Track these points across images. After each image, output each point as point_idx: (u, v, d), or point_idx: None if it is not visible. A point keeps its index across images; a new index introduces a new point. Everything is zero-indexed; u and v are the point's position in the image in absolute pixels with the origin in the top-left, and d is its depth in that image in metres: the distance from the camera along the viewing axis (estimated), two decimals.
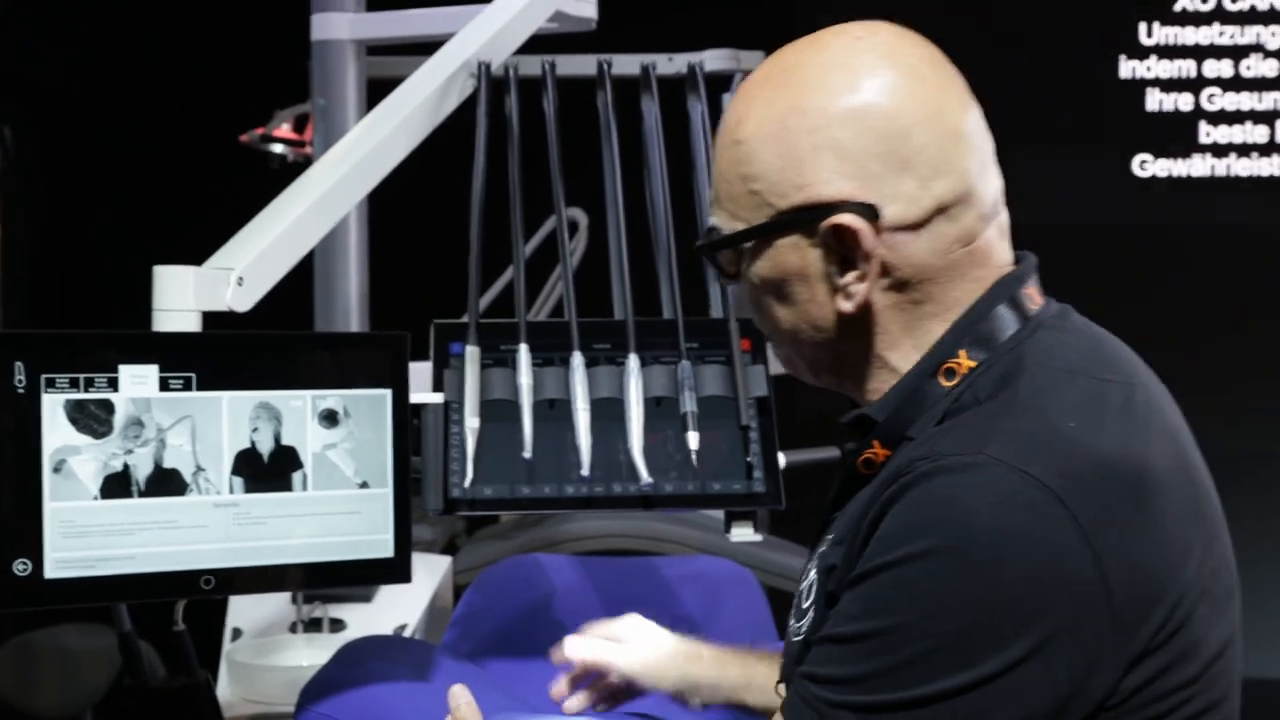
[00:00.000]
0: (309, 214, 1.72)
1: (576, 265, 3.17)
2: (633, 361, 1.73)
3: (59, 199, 4.30)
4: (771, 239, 1.13)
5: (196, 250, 1.68)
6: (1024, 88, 4.05)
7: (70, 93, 4.28)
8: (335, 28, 2.45)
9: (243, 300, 1.64)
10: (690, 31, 2.89)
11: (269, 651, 2.16)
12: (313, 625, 2.25)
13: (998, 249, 1.14)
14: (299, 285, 1.96)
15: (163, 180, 4.20)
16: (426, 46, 2.55)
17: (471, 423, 1.67)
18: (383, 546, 1.55)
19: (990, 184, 1.14)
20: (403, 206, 2.72)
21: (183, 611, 1.75)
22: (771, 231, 1.12)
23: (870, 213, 1.08)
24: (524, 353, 1.72)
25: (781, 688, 1.22)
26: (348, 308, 2.51)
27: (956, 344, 1.11)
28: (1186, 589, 1.04)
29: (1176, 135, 4.19)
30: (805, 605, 1.15)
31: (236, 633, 2.26)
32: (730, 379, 1.74)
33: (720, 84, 2.48)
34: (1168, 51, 4.20)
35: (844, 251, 1.10)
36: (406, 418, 1.55)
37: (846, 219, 1.08)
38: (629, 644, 1.56)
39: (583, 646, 1.56)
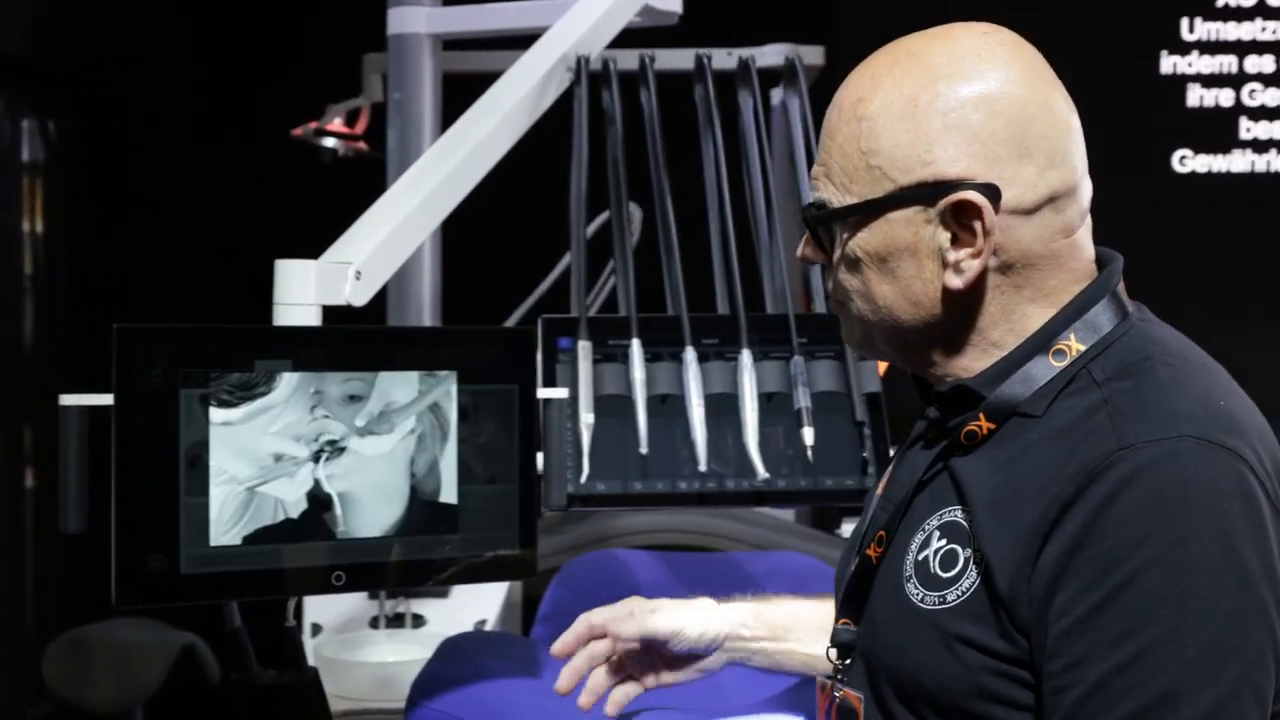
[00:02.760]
0: (421, 208, 1.72)
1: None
2: (746, 357, 1.72)
3: (104, 192, 4.28)
4: (886, 213, 1.16)
5: (249, 244, 1.67)
6: (1065, 83, 4.04)
7: (116, 86, 4.25)
8: (412, 22, 2.44)
9: (361, 294, 1.63)
10: (732, 26, 2.90)
11: (355, 647, 2.16)
12: (394, 621, 2.24)
13: (1088, 246, 1.20)
14: None
15: (213, 174, 4.18)
16: (502, 41, 2.55)
17: (587, 418, 1.67)
18: (510, 542, 1.54)
19: (1088, 185, 1.20)
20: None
21: (238, 610, 1.70)
22: (889, 205, 1.15)
23: (992, 193, 1.13)
24: (636, 348, 1.72)
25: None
26: (420, 304, 2.50)
27: (1066, 327, 1.16)
28: None
29: (1217, 131, 4.18)
30: (945, 574, 1.14)
31: (316, 628, 2.26)
32: (840, 375, 1.74)
33: (770, 79, 2.48)
34: (1209, 47, 4.19)
35: (961, 228, 1.14)
36: (534, 413, 1.55)
37: (972, 195, 1.12)
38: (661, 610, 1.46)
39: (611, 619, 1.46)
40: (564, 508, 1.63)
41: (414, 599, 2.29)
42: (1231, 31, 4.18)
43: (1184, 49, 4.20)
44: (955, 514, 1.15)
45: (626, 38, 2.24)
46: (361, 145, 3.35)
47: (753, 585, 2.12)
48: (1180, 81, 4.19)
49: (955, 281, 1.15)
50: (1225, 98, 4.19)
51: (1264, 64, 4.17)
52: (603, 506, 1.68)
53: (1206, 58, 4.19)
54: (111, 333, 1.38)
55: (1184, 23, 4.19)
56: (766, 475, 1.66)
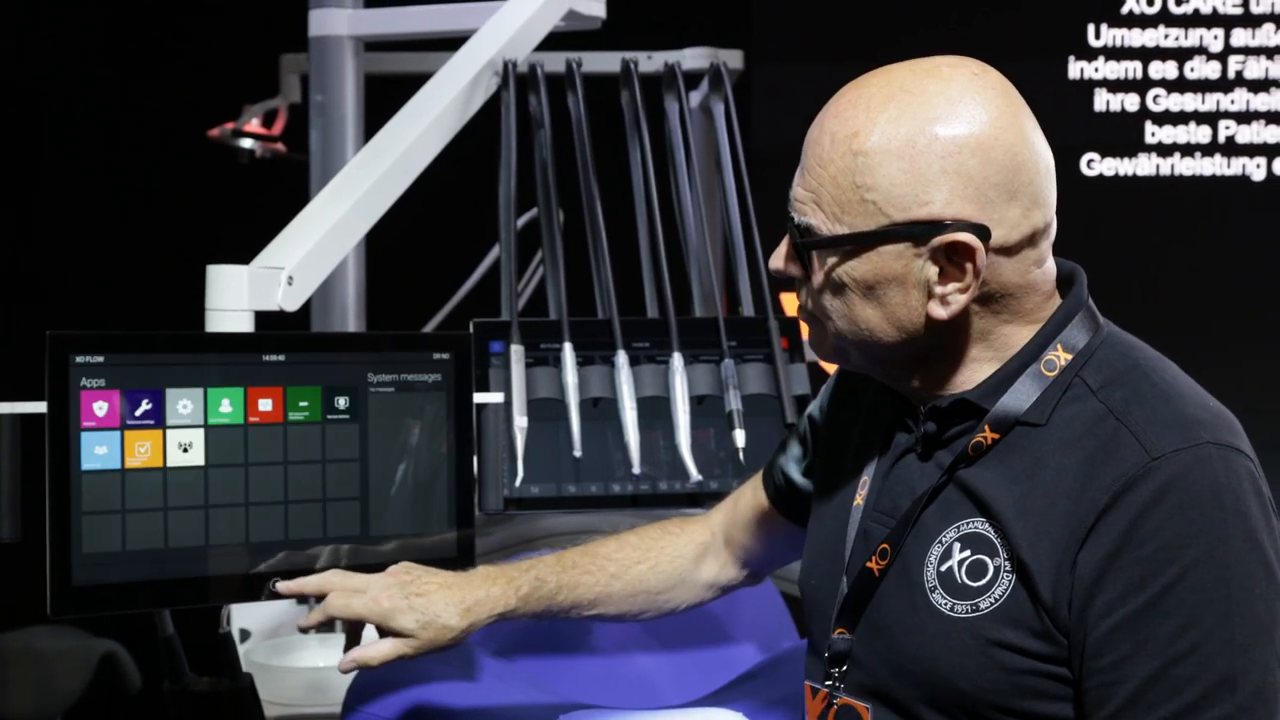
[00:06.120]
0: (352, 213, 1.72)
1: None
2: (677, 360, 1.74)
3: (17, 194, 4.20)
4: (878, 245, 1.20)
5: (167, 246, 1.66)
6: None
7: (28, 85, 4.17)
8: (334, 24, 2.43)
9: (293, 299, 1.63)
10: (650, 30, 2.92)
11: (286, 652, 2.14)
12: (324, 625, 2.23)
13: (1053, 265, 1.27)
14: None
15: (128, 175, 4.11)
16: (424, 43, 2.55)
17: (520, 422, 1.68)
18: (446, 547, 1.55)
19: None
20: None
21: (171, 616, 1.69)
22: (882, 239, 1.19)
23: (983, 233, 1.18)
24: (568, 351, 1.73)
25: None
26: (345, 307, 2.49)
27: (1051, 341, 1.23)
28: None
29: (1123, 135, 4.28)
30: (974, 583, 1.19)
31: (245, 634, 2.24)
32: (769, 377, 1.77)
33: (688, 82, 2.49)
34: (1115, 53, 4.28)
35: (950, 264, 1.19)
36: (469, 417, 1.56)
37: (965, 237, 1.18)
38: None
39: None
40: (500, 511, 1.64)
41: None
42: (1136, 38, 4.28)
43: (1091, 54, 4.29)
44: (976, 525, 1.21)
45: (545, 42, 2.25)
46: (279, 146, 3.32)
47: None
48: (1088, 86, 4.28)
49: (940, 312, 1.20)
50: (1130, 102, 4.28)
51: (1167, 70, 4.27)
52: (538, 509, 1.69)
53: (1113, 63, 4.28)
54: (45, 339, 1.37)
55: (1090, 29, 4.28)
56: (699, 477, 1.68)
